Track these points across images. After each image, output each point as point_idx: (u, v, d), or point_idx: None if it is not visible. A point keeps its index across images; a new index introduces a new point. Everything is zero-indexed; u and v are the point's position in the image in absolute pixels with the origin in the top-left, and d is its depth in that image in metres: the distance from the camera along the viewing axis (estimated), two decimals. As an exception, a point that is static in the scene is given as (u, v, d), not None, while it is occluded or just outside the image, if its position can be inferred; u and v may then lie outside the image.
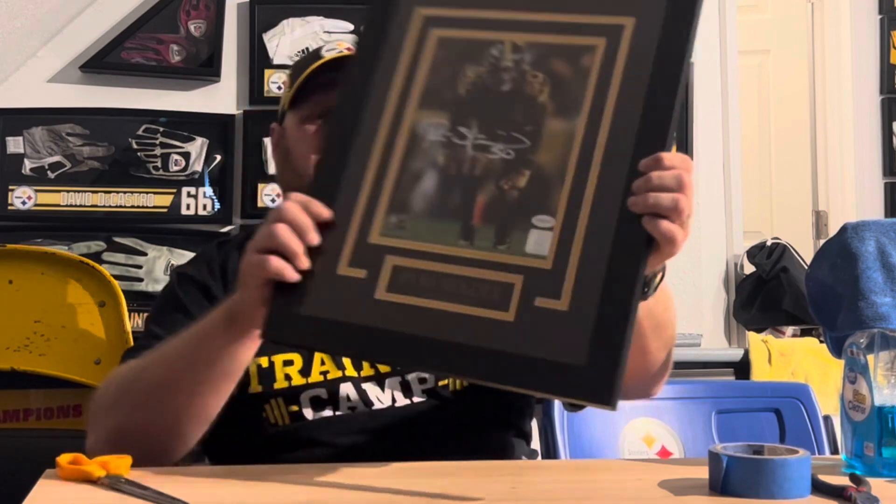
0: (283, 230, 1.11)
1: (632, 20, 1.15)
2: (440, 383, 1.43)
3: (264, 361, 1.41)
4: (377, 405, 1.41)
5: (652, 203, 1.07)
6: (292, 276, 1.11)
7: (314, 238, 1.13)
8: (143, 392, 1.25)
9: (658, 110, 1.11)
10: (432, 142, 1.18)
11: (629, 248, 1.08)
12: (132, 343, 2.10)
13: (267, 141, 2.90)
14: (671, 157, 1.09)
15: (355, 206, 1.17)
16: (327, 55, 1.53)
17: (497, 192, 1.13)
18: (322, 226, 1.14)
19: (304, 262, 1.12)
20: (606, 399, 1.02)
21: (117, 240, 2.85)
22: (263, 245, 1.12)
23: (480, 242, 1.12)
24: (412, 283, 1.12)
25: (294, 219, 1.12)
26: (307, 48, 2.95)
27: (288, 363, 1.41)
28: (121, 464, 1.11)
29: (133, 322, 2.69)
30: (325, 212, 1.14)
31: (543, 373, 1.04)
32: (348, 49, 1.54)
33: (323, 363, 1.42)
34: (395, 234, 1.14)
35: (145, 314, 2.80)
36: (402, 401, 1.42)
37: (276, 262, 1.11)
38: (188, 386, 1.22)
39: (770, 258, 3.17)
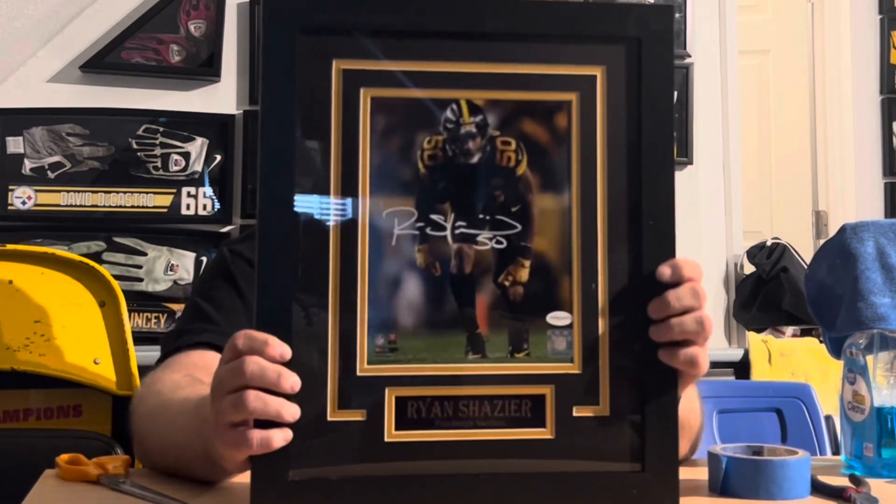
0: (253, 398, 0.90)
1: (601, 69, 1.01)
2: None
3: None
4: None
5: (678, 332, 0.97)
6: (285, 440, 0.93)
7: (292, 385, 0.93)
8: (157, 452, 1.14)
9: (656, 174, 1.01)
10: (401, 236, 0.98)
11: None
12: (131, 343, 2.10)
13: (267, 141, 2.89)
14: (685, 262, 0.99)
15: (324, 331, 0.97)
16: None
17: (498, 290, 0.99)
18: (289, 364, 0.94)
19: (293, 415, 0.93)
20: (670, 501, 0.98)
21: (117, 240, 2.85)
22: (235, 417, 0.92)
23: (494, 353, 0.98)
24: (424, 414, 0.97)
25: (261, 375, 0.91)
26: (307, 48, 2.95)
27: None
28: (120, 464, 1.11)
29: (133, 322, 2.69)
30: (287, 350, 0.93)
31: (598, 486, 0.97)
32: None
33: None
34: (387, 360, 0.97)
35: (145, 314, 2.80)
36: None
37: (261, 438, 0.91)
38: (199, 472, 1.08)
39: (770, 258, 3.17)
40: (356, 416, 0.96)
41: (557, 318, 0.99)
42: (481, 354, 0.99)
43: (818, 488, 1.10)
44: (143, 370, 1.83)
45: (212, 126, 2.90)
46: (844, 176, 3.46)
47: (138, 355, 2.07)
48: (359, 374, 0.97)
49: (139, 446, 1.20)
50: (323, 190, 0.97)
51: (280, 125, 0.97)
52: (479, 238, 0.99)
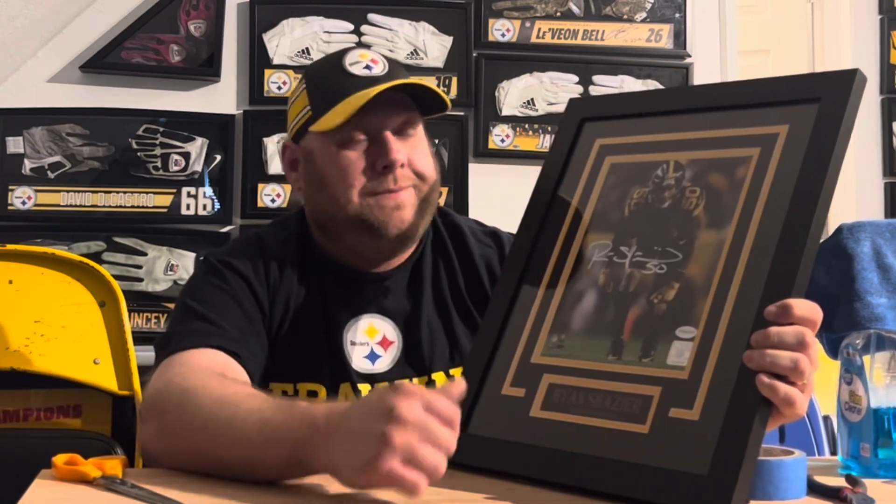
0: (430, 458, 0.96)
1: (785, 128, 1.13)
2: None
3: (289, 388, 1.38)
4: None
5: (768, 362, 1.01)
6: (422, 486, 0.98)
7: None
8: (201, 452, 1.14)
9: (799, 218, 1.07)
10: (595, 262, 1.21)
11: None
12: (131, 343, 2.10)
13: (267, 141, 2.90)
14: (799, 305, 1.03)
15: (524, 328, 1.22)
16: (354, 70, 1.38)
17: (647, 306, 1.14)
18: (495, 347, 1.22)
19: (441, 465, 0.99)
20: None
21: (117, 240, 2.85)
22: (404, 467, 0.96)
23: (627, 356, 1.12)
24: (563, 400, 1.14)
25: (435, 440, 0.98)
26: (307, 48, 2.95)
27: (312, 394, 1.38)
28: (116, 465, 1.11)
29: (133, 322, 2.69)
30: (456, 415, 0.99)
31: (669, 483, 1.01)
32: (372, 60, 1.39)
33: (346, 398, 1.36)
34: (553, 353, 1.18)
35: (145, 314, 2.80)
36: None
37: (412, 480, 0.96)
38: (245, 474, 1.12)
39: (770, 258, 3.16)
40: (519, 392, 1.18)
41: (684, 331, 1.10)
42: (618, 357, 1.13)
43: (814, 489, 1.10)
44: (143, 370, 1.83)
45: (212, 126, 2.91)
46: (844, 176, 3.45)
47: (138, 355, 2.07)
48: (532, 361, 1.19)
49: (170, 439, 1.17)
50: (557, 226, 1.26)
51: (548, 178, 1.30)
52: (648, 265, 1.16)
